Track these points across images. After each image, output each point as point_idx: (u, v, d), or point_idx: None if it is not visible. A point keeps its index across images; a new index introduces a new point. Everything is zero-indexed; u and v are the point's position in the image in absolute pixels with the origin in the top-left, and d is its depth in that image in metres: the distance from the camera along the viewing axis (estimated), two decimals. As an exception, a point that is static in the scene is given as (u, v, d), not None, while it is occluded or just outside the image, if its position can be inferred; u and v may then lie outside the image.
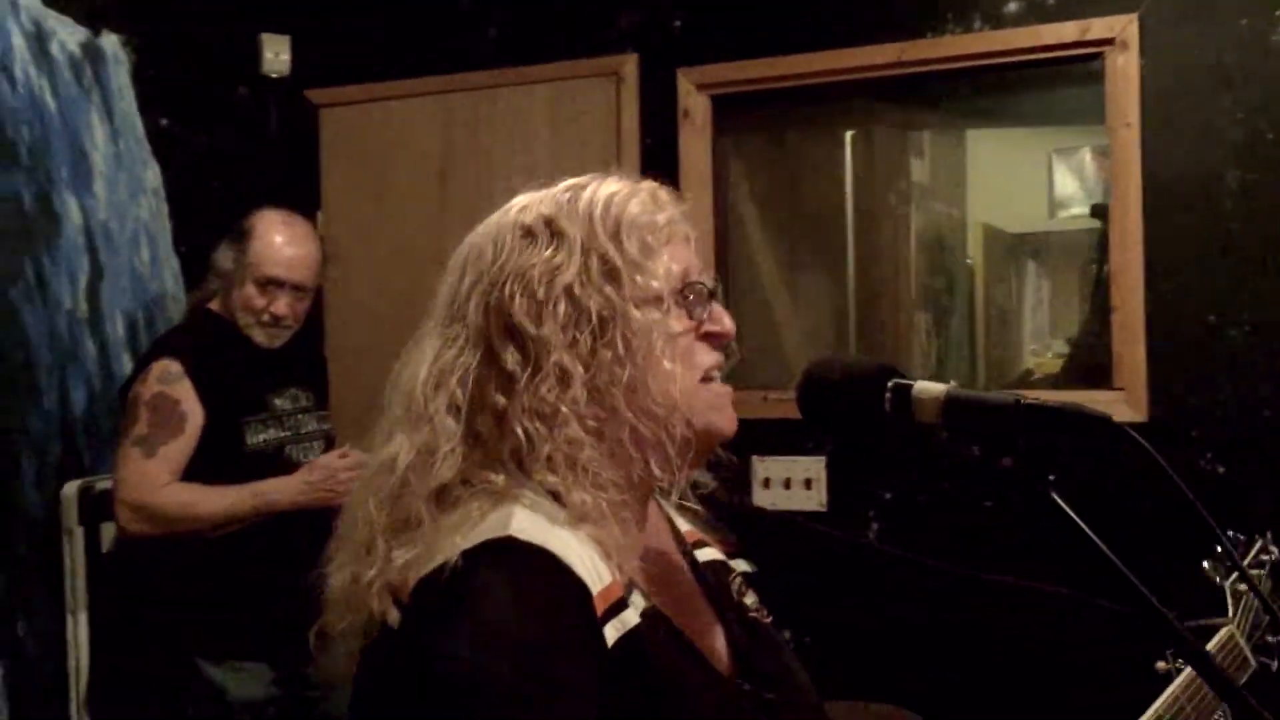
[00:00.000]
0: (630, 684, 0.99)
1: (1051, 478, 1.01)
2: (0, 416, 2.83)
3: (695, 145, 3.14)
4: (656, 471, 1.08)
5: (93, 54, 3.09)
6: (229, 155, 3.49)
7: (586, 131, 3.28)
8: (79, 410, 3.01)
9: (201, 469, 2.53)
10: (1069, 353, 3.72)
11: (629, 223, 1.10)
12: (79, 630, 2.93)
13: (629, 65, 3.21)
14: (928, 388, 1.03)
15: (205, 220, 3.16)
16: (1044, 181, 4.92)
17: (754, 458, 3.09)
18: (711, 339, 1.13)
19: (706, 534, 1.30)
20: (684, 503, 1.29)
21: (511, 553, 0.99)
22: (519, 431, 1.06)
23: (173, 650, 2.48)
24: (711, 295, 1.14)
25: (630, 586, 1.05)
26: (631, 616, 1.02)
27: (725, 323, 1.14)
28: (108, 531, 2.83)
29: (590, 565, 1.01)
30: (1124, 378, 2.73)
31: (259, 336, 2.65)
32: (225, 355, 2.63)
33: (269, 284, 2.63)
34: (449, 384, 1.08)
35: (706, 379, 1.12)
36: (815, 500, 3.04)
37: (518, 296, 1.07)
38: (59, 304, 2.98)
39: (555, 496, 1.05)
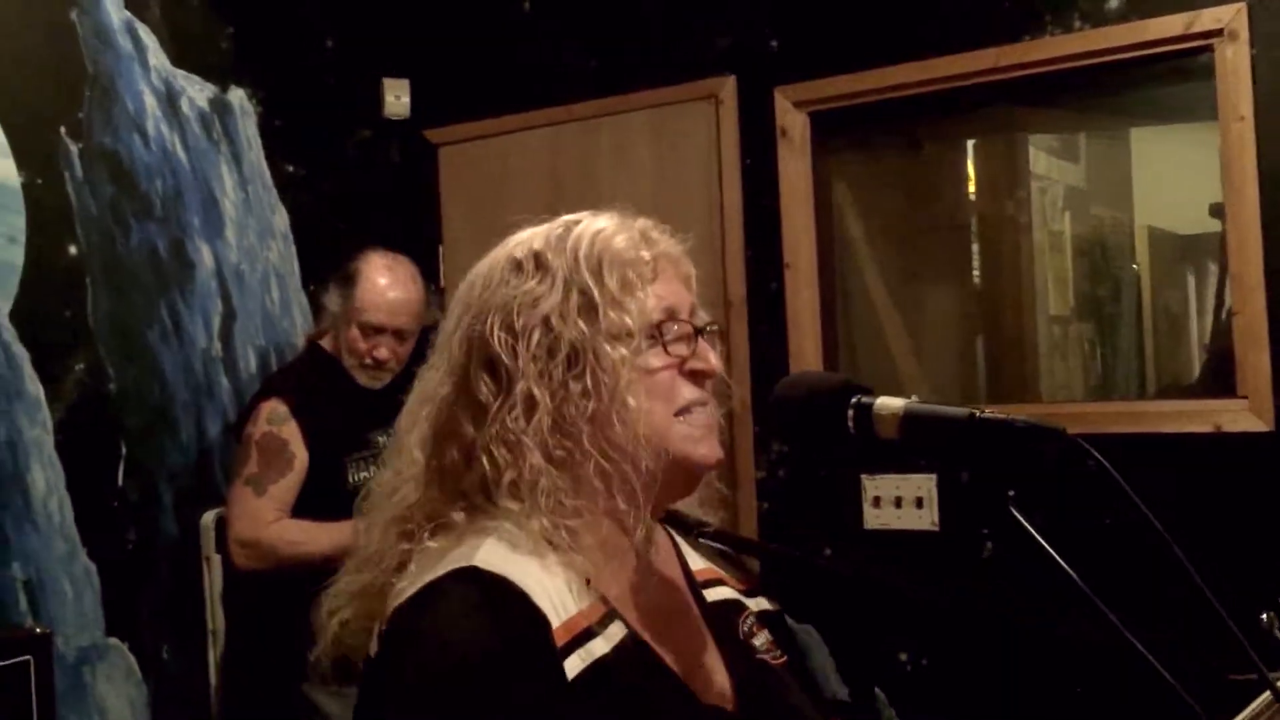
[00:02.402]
0: (596, 714, 0.99)
1: (1011, 492, 0.98)
2: (141, 450, 3.03)
3: (794, 163, 3.13)
4: (621, 504, 1.08)
5: (221, 108, 3.28)
6: (353, 196, 3.65)
7: (687, 155, 3.30)
8: (214, 443, 3.19)
9: (309, 506, 2.64)
10: (1205, 360, 3.54)
11: (612, 258, 1.11)
12: (219, 653, 3.10)
13: (726, 87, 3.22)
14: (888, 403, 1.02)
15: (332, 260, 3.29)
16: (1217, 179, 4.68)
17: (863, 476, 3.04)
18: (694, 376, 1.13)
19: (726, 571, 1.29)
20: (703, 539, 1.29)
21: (470, 582, 1.01)
22: (484, 460, 1.08)
23: (281, 675, 2.60)
24: (699, 333, 1.14)
25: (609, 615, 1.05)
26: (600, 646, 1.02)
27: (710, 360, 1.14)
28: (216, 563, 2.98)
29: (555, 595, 1.02)
30: (1247, 385, 2.58)
31: (362, 378, 2.75)
32: (330, 394, 2.74)
33: (372, 330, 2.72)
34: (421, 416, 1.13)
35: (683, 412, 1.12)
36: (927, 519, 2.96)
37: (496, 327, 1.10)
38: (194, 344, 3.17)
39: (522, 525, 1.06)
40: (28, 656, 2.29)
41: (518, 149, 3.60)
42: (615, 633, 1.04)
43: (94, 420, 2.92)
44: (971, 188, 3.98)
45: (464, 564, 1.02)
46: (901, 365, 3.42)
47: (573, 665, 0.99)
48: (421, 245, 3.59)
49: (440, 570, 1.03)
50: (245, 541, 2.65)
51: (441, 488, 1.10)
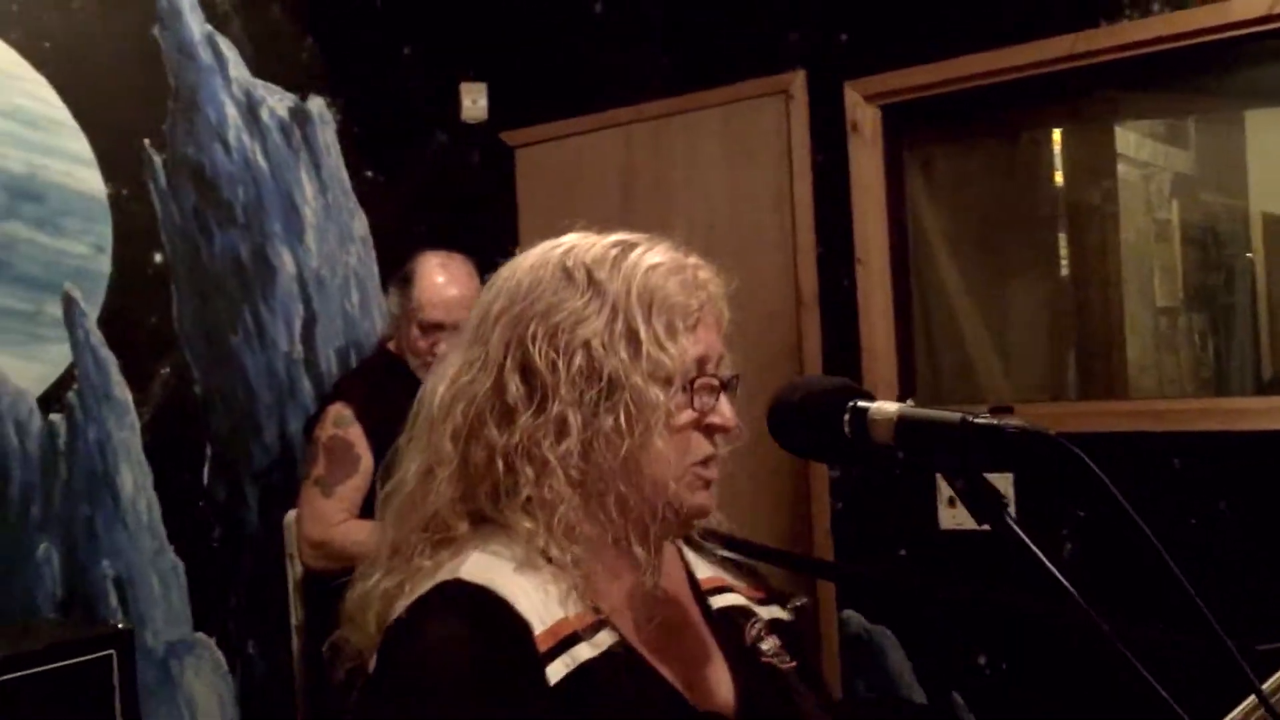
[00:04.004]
0: (581, 718, 0.99)
1: (1005, 500, 0.95)
2: (226, 451, 3.12)
3: (866, 158, 3.08)
4: (636, 546, 1.08)
5: (300, 117, 3.36)
6: (431, 200, 3.71)
7: (757, 152, 3.28)
8: (297, 444, 3.27)
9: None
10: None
11: (663, 300, 1.09)
12: (300, 648, 3.17)
13: (797, 82, 3.19)
14: (882, 408, 1.00)
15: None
16: (1340, 162, 4.49)
17: (939, 476, 2.98)
18: (710, 430, 1.12)
19: (736, 579, 1.27)
20: (705, 544, 1.28)
21: (453, 595, 1.02)
22: (502, 467, 1.07)
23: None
24: (724, 387, 1.13)
25: (600, 624, 1.05)
26: (586, 651, 1.02)
27: (727, 415, 1.12)
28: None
29: (541, 603, 1.02)
30: (1337, 379, 2.46)
31: (425, 378, 2.79)
32: (395, 395, 2.77)
33: (431, 328, 2.76)
34: (456, 410, 1.12)
35: (697, 465, 1.11)
36: (1004, 519, 2.89)
37: (539, 336, 1.08)
38: (276, 347, 3.26)
39: (521, 539, 1.06)
40: (110, 651, 2.38)
41: (592, 150, 3.62)
42: (604, 639, 1.04)
43: (180, 422, 3.02)
44: (1058, 178, 3.87)
45: (448, 577, 1.03)
46: (980, 362, 3.35)
47: (555, 670, 0.99)
48: (498, 247, 3.63)
49: (427, 586, 1.04)
50: (314, 542, 2.71)
51: (465, 484, 1.09)
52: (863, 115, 3.08)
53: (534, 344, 1.08)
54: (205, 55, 3.11)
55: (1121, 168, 4.07)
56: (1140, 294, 4.22)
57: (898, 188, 3.15)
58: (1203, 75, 3.19)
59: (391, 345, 2.94)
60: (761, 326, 3.17)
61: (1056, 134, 3.79)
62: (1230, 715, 1.02)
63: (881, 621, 3.10)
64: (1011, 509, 2.86)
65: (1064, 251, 3.81)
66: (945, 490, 2.97)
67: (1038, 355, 3.60)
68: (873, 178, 3.08)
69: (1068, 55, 2.78)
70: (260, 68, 3.25)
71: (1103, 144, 3.66)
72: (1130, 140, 4.21)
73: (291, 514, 3.16)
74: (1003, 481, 2.91)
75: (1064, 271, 3.81)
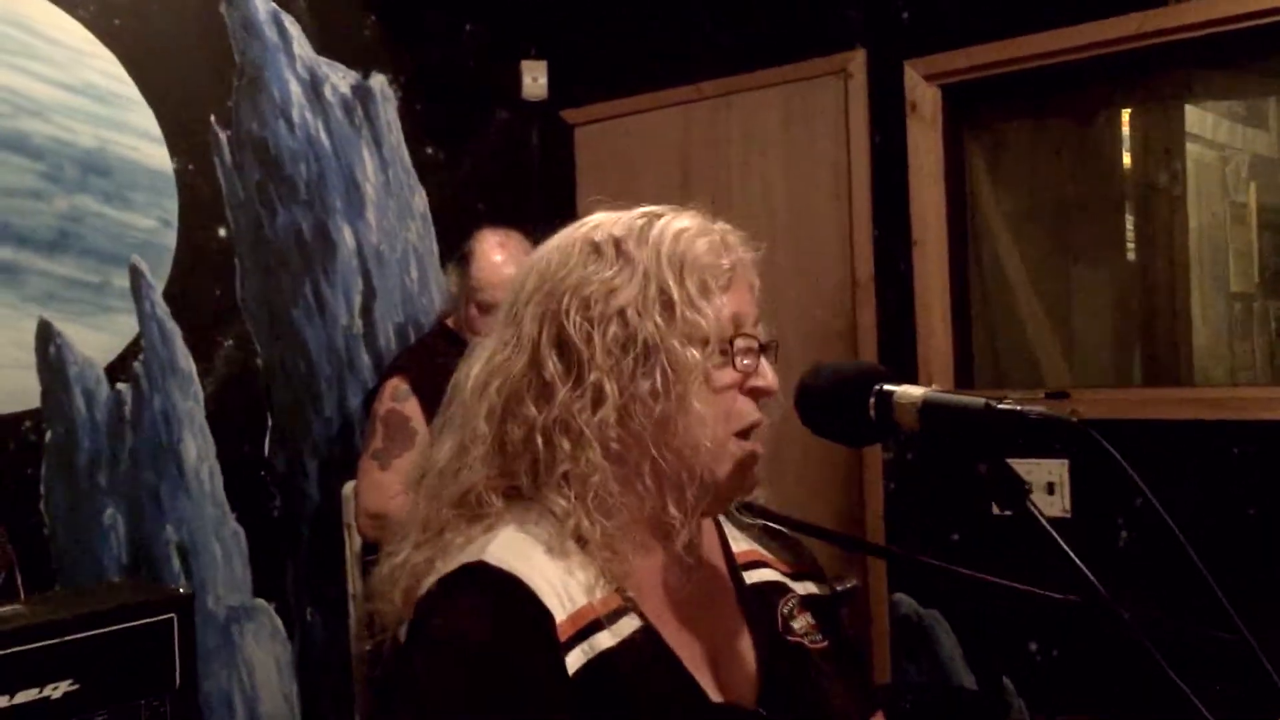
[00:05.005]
0: (597, 708, 0.99)
1: (1028, 486, 0.95)
2: (287, 422, 3.19)
3: (924, 139, 3.05)
4: (672, 510, 1.08)
5: (362, 94, 3.41)
6: (491, 177, 3.73)
7: (816, 131, 3.26)
8: (355, 416, 3.33)
9: None
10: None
11: (693, 261, 1.10)
12: (358, 616, 3.24)
13: (856, 61, 3.16)
14: (908, 392, 1.00)
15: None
16: None
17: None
18: (755, 394, 1.12)
19: (773, 553, 1.27)
20: (743, 516, 1.28)
21: (475, 579, 1.02)
22: (541, 443, 1.08)
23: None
24: (763, 350, 1.13)
25: (623, 608, 1.05)
26: (604, 639, 1.02)
27: (769, 378, 1.12)
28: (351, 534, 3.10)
29: (564, 590, 1.02)
30: None
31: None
32: (452, 372, 2.81)
33: (489, 307, 2.79)
34: (490, 389, 1.13)
35: (742, 434, 1.11)
36: (1059, 506, 2.87)
37: (572, 310, 1.09)
38: (336, 321, 3.31)
39: (560, 518, 1.06)
40: (171, 614, 2.45)
41: (650, 128, 3.62)
42: (625, 626, 1.04)
43: (243, 393, 3.09)
44: (1126, 159, 3.80)
45: (473, 559, 1.04)
46: (1041, 347, 3.30)
47: (575, 660, 1.00)
48: (558, 225, 3.65)
49: (455, 564, 1.05)
50: (372, 513, 2.76)
51: (502, 462, 1.10)
52: (922, 95, 3.05)
53: (568, 318, 1.09)
54: (270, 33, 3.16)
55: (1196, 149, 3.98)
56: (1213, 279, 4.14)
57: (957, 169, 3.11)
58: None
59: (450, 321, 2.98)
60: (816, 309, 3.16)
61: (1125, 115, 3.72)
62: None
63: (933, 605, 3.09)
64: (1067, 496, 2.84)
65: (1130, 235, 3.75)
66: (999, 475, 2.94)
67: (1101, 341, 3.54)
68: (931, 159, 3.05)
69: (1134, 35, 2.73)
70: (323, 45, 3.30)
71: (1172, 125, 3.58)
72: (1207, 121, 4.12)
73: (350, 485, 3.22)
74: (1058, 468, 2.88)
75: (1130, 255, 3.75)
